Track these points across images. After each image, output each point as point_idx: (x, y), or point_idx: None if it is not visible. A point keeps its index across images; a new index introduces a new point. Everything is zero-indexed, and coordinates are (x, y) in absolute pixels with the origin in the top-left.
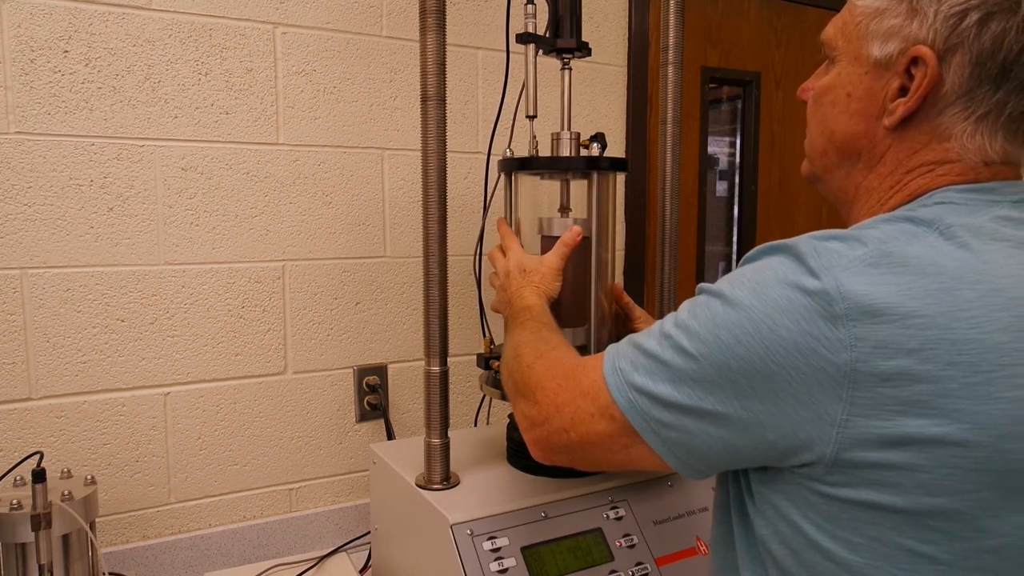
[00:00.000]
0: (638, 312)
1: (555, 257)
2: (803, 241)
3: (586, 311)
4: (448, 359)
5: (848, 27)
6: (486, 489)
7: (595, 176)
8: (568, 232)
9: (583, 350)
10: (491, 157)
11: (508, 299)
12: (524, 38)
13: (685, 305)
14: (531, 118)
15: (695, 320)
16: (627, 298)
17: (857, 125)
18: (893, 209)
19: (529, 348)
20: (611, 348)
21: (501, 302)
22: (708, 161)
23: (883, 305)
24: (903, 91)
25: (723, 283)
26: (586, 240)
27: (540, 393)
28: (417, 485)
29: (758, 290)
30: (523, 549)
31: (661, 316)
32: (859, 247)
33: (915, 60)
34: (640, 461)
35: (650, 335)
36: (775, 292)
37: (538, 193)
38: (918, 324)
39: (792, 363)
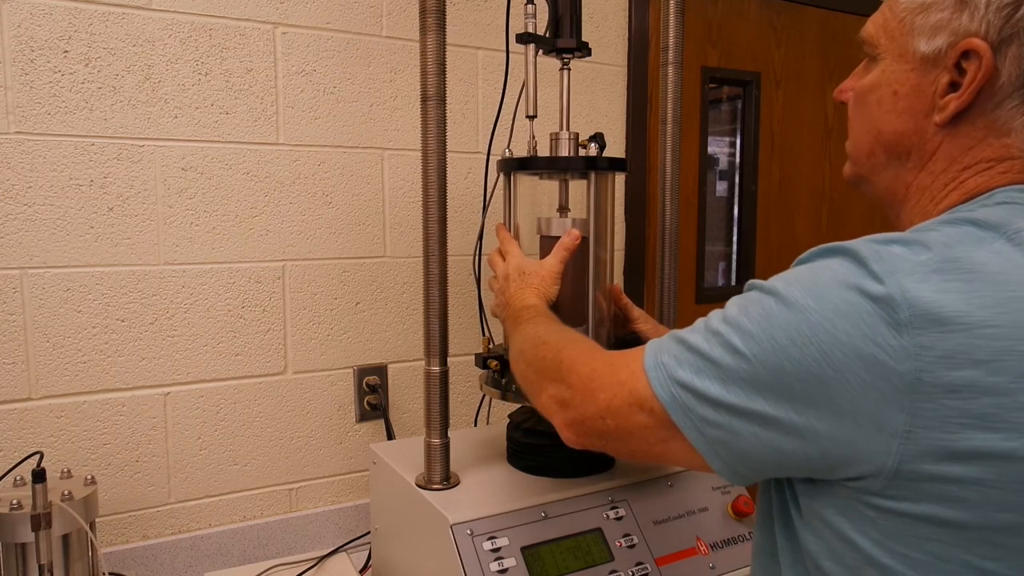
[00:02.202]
0: (636, 312)
1: (554, 260)
2: (863, 244)
3: (584, 311)
4: (448, 359)
5: (891, 24)
6: (486, 489)
7: (593, 176)
8: (567, 236)
9: None
10: (491, 157)
11: (507, 301)
12: (524, 38)
13: (734, 301)
14: (531, 118)
15: (747, 318)
16: (625, 299)
17: (906, 123)
18: (949, 208)
19: (553, 336)
20: (652, 343)
21: (500, 305)
22: (708, 161)
23: (951, 314)
24: (953, 86)
25: (777, 281)
26: (584, 240)
27: (573, 376)
28: (417, 485)
29: (816, 291)
30: (523, 549)
31: (661, 317)
32: (923, 251)
33: (966, 54)
34: (678, 457)
35: (695, 331)
36: (835, 294)
37: (537, 193)
38: (989, 335)
39: (851, 369)
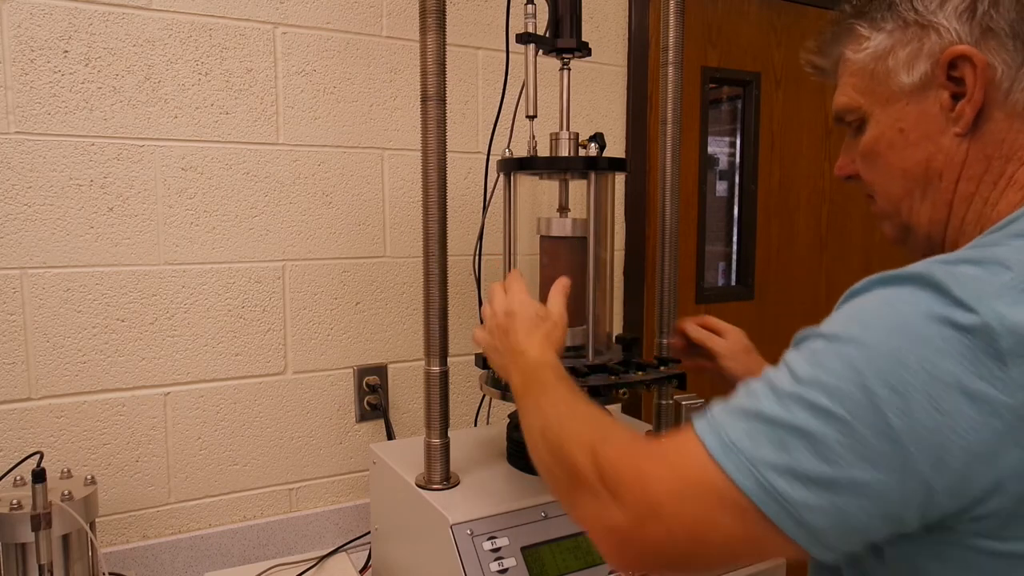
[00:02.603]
0: (722, 346)
1: (559, 307)
2: (934, 268)
3: (584, 311)
4: (448, 359)
5: (859, 84)
6: (486, 489)
7: (593, 176)
8: (560, 282)
9: (581, 350)
10: (491, 157)
11: (513, 345)
12: (524, 38)
13: (797, 357)
14: (531, 118)
15: (823, 371)
16: (701, 333)
17: (925, 149)
18: (1010, 211)
19: (582, 423)
20: (699, 422)
21: (503, 348)
22: (708, 161)
23: None
24: (955, 97)
25: (846, 324)
26: (584, 240)
27: (623, 488)
28: (417, 485)
29: (900, 328)
30: (523, 549)
31: (661, 317)
32: (1002, 272)
33: (952, 63)
34: (766, 554)
35: (756, 396)
36: (923, 329)
37: (537, 193)
38: None
39: (960, 410)
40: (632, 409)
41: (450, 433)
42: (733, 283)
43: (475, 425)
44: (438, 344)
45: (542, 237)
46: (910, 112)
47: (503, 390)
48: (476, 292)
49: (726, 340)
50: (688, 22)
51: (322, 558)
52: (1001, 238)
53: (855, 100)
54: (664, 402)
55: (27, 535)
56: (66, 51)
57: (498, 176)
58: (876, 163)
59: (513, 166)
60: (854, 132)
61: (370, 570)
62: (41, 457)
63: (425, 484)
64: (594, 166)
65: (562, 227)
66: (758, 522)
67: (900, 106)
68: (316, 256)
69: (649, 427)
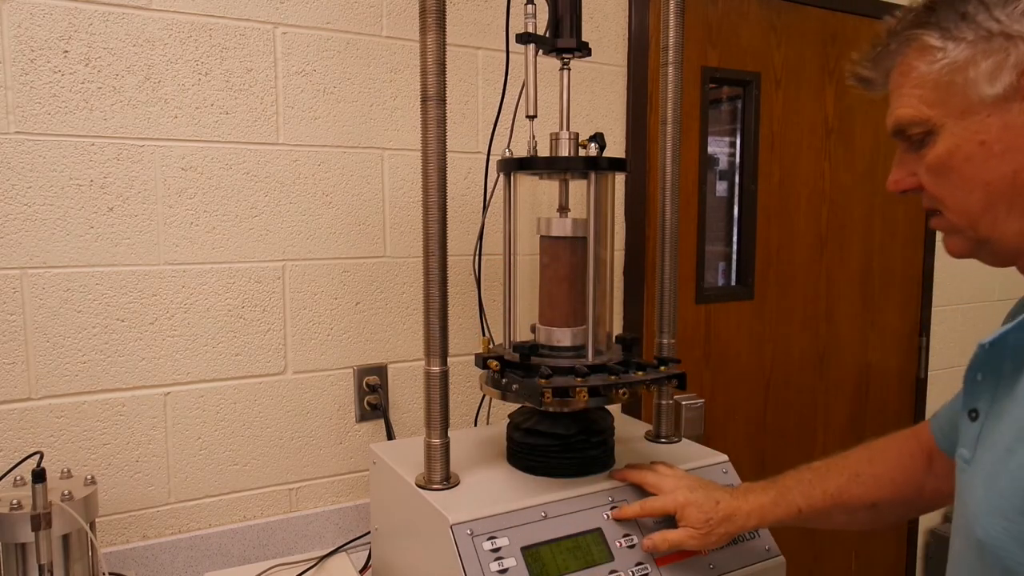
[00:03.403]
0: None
1: None
2: None
3: (584, 311)
4: (448, 359)
5: (931, 95)
6: (486, 489)
7: (593, 176)
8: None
9: (581, 350)
10: (491, 157)
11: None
12: (524, 38)
13: None
14: (531, 118)
15: None
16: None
17: (1013, 161)
18: None
19: None
20: None
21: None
22: (708, 161)
23: None
24: None
25: None
26: (583, 240)
27: None
28: (417, 485)
29: None
30: (523, 549)
31: (662, 317)
32: None
33: None
34: None
35: None
36: None
37: (537, 193)
38: None
39: None
40: (632, 409)
41: (450, 433)
42: (733, 283)
43: (475, 425)
44: (438, 344)
45: (542, 237)
46: (992, 124)
47: (503, 390)
48: (476, 292)
49: (681, 532)
50: (688, 22)
51: (322, 558)
52: None
53: (922, 112)
54: (664, 402)
55: (27, 535)
56: (66, 51)
57: (498, 176)
58: (949, 177)
59: (513, 166)
60: (915, 145)
61: (370, 570)
62: (41, 457)
63: (425, 484)
64: (594, 166)
65: (562, 227)
66: None
67: (980, 118)
68: (316, 256)
69: (649, 427)
